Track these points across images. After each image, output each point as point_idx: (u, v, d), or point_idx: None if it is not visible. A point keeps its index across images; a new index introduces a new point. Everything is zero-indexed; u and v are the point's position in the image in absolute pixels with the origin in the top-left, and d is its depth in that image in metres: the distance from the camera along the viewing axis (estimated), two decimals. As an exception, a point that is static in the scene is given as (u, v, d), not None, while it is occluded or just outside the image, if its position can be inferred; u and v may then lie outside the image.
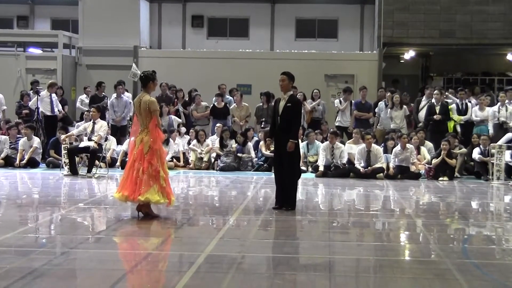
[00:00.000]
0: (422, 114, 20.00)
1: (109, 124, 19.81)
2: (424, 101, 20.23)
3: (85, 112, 19.27)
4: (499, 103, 19.26)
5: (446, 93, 20.69)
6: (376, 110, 20.67)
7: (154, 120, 10.88)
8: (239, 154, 19.20)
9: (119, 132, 20.53)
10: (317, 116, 20.86)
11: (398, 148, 18.07)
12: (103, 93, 21.62)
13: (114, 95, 21.00)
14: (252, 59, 25.48)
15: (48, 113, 20.40)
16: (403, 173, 17.84)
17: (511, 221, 12.38)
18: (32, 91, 21.20)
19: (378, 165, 17.79)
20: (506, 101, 19.01)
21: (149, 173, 10.71)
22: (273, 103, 14.25)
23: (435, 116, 19.25)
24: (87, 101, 21.86)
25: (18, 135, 19.48)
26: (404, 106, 20.19)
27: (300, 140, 13.90)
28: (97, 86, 21.86)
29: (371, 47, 26.99)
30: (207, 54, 25.97)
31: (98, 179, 16.67)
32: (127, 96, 21.44)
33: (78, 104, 22.57)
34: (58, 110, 20.71)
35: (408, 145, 18.06)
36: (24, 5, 29.90)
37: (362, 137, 18.47)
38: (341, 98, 21.11)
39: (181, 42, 28.25)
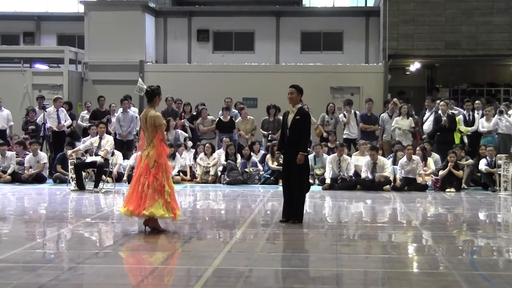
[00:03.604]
0: (426, 127, 19.97)
1: (115, 139, 19.84)
2: (427, 113, 20.19)
3: (92, 127, 19.29)
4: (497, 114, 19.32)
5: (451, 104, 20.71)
6: (380, 122, 20.66)
7: (159, 135, 10.91)
8: (245, 169, 19.18)
9: (125, 146, 20.55)
10: (330, 130, 20.80)
11: (404, 159, 18.05)
12: (104, 107, 21.74)
13: (120, 109, 21.05)
14: (258, 73, 25.50)
15: (56, 129, 20.44)
16: (410, 184, 17.81)
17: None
18: (38, 107, 21.26)
19: (385, 173, 17.80)
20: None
21: (154, 188, 10.72)
22: (281, 117, 14.26)
23: (442, 122, 19.19)
24: (87, 116, 21.83)
25: (27, 152, 19.49)
26: (411, 118, 20.17)
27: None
28: (98, 101, 21.96)
29: (376, 59, 27.01)
30: (213, 68, 26.02)
31: (105, 194, 16.68)
32: (133, 110, 21.47)
33: (79, 120, 22.44)
34: (69, 124, 20.74)
35: (414, 157, 18.04)
36: (30, 21, 30.10)
37: (370, 148, 18.42)
38: (344, 112, 21.08)
39: (187, 56, 28.32)
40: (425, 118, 20.19)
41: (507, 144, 18.62)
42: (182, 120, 21.24)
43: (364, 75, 25.31)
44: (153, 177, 10.74)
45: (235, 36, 28.39)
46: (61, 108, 20.78)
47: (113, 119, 21.13)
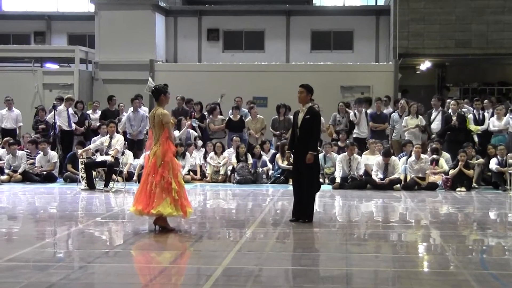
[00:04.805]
0: (434, 126, 19.86)
1: (126, 138, 19.82)
2: (434, 113, 20.06)
3: (102, 126, 19.29)
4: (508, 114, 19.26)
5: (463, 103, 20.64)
6: (390, 121, 20.58)
7: (165, 133, 10.90)
8: (257, 169, 19.17)
9: (135, 146, 20.54)
10: (342, 128, 20.74)
11: (412, 158, 18.00)
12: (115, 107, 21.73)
13: (131, 109, 21.05)
14: (268, 72, 25.54)
15: (65, 128, 20.48)
16: (420, 184, 17.75)
17: (530, 232, 12.30)
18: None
19: (395, 175, 17.74)
20: None
21: (161, 186, 10.73)
22: (291, 116, 14.24)
23: (452, 122, 19.14)
24: (92, 116, 21.77)
25: (39, 151, 19.49)
26: (420, 116, 20.08)
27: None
28: (108, 100, 21.91)
29: (386, 58, 26.99)
30: (223, 67, 26.06)
31: (115, 193, 16.71)
32: (144, 110, 21.46)
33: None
34: (75, 124, 20.75)
35: (422, 156, 17.99)
36: (40, 21, 30.24)
37: (383, 153, 18.28)
38: (355, 111, 20.97)
39: (197, 55, 28.38)
40: (432, 117, 20.05)
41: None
42: (191, 120, 21.20)
43: (374, 74, 25.31)
44: (160, 175, 10.75)
45: (245, 35, 28.43)
46: (70, 108, 20.73)
47: (123, 119, 21.13)
